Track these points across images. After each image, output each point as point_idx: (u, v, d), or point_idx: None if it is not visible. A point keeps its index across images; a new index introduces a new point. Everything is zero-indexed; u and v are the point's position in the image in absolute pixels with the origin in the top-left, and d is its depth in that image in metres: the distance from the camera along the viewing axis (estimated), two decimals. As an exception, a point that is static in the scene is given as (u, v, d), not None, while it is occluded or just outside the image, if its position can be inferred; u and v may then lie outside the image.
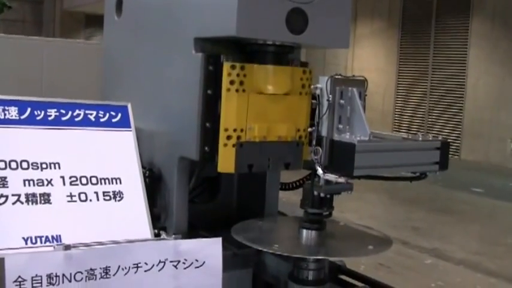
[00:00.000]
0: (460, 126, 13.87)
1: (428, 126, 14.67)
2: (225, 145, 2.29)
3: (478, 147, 13.34)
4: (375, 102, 14.92)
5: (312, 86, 2.41)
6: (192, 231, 2.53)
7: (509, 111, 12.91)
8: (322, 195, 2.39)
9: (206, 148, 2.38)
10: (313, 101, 2.45)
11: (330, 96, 2.32)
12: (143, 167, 2.44)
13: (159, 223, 2.52)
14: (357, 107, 2.33)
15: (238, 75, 2.29)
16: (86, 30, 26.44)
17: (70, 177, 2.17)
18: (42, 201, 2.09)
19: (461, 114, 13.91)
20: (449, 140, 2.70)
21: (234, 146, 2.29)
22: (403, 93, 15.62)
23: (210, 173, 3.04)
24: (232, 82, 2.29)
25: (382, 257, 5.55)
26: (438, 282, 5.52)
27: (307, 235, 2.50)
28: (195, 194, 2.83)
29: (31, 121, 2.21)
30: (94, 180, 2.21)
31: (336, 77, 2.36)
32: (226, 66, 2.29)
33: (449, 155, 2.52)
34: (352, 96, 2.34)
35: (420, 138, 2.46)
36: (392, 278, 5.07)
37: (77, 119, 2.29)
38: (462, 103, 13.93)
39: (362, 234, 2.67)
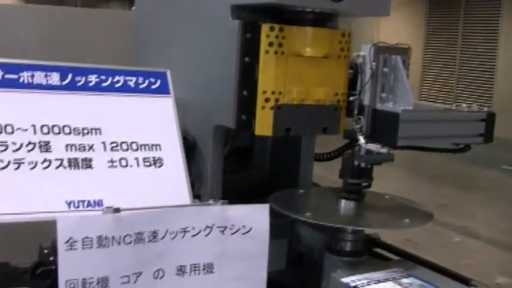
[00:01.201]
0: (490, 102, 13.82)
1: (456, 101, 14.61)
2: (263, 108, 2.33)
3: (509, 123, 13.29)
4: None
5: (354, 54, 2.44)
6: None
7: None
8: (362, 165, 2.43)
9: (243, 116, 2.42)
10: (350, 71, 2.49)
11: (373, 64, 2.35)
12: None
13: (193, 191, 2.57)
14: (400, 75, 2.35)
15: (276, 37, 2.32)
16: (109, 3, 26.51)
17: (111, 143, 2.22)
18: (84, 166, 2.14)
19: (491, 89, 13.84)
20: None
21: (272, 108, 2.33)
22: (430, 68, 15.56)
23: (243, 142, 3.11)
24: (270, 44, 2.32)
25: (409, 233, 5.60)
26: (467, 261, 5.56)
27: (346, 205, 2.54)
28: (227, 164, 2.88)
29: (72, 87, 2.25)
30: (134, 146, 2.26)
31: (379, 44, 2.37)
32: (264, 28, 2.32)
33: None
34: (396, 64, 2.36)
35: (465, 109, 2.47)
36: (420, 255, 5.09)
37: (117, 85, 2.33)
38: (493, 78, 13.86)
39: (402, 207, 2.70)
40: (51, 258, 2.50)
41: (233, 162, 3.03)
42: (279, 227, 2.70)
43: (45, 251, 2.56)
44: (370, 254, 2.72)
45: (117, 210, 1.83)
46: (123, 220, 1.83)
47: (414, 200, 2.72)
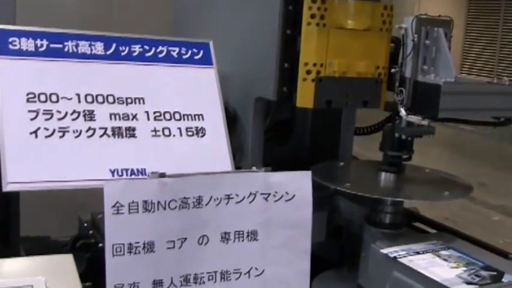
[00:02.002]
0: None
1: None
2: (304, 80, 2.33)
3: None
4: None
5: (397, 26, 2.42)
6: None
7: None
8: (403, 137, 2.42)
9: (284, 88, 2.43)
10: (392, 45, 2.48)
11: (415, 36, 2.33)
12: (222, 110, 2.50)
13: (234, 163, 2.59)
14: (442, 47, 2.33)
15: (318, 9, 2.31)
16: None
17: (154, 113, 2.24)
18: (128, 135, 2.17)
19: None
20: None
21: (313, 80, 2.33)
22: (472, 46, 15.32)
23: (284, 116, 3.11)
24: (312, 16, 2.32)
25: (448, 212, 5.57)
26: (506, 239, 5.51)
27: (385, 178, 2.54)
28: (268, 137, 2.89)
29: (116, 57, 2.28)
30: (177, 116, 2.28)
31: (421, 16, 2.36)
32: (307, 0, 2.31)
33: None
34: (438, 36, 2.35)
35: (507, 83, 2.45)
36: (459, 232, 5.07)
37: (160, 56, 2.35)
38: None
39: (442, 180, 2.69)
40: (91, 232, 2.56)
41: (274, 135, 3.04)
42: (319, 200, 2.70)
43: (85, 224, 2.61)
44: (409, 228, 2.72)
45: (162, 175, 1.84)
46: (168, 185, 1.85)
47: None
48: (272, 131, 3.03)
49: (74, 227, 2.71)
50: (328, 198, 2.78)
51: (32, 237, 2.69)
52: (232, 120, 2.70)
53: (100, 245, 2.41)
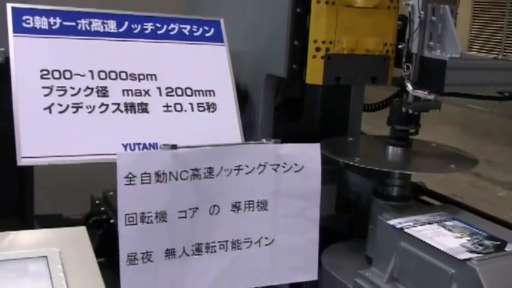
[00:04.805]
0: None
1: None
2: (314, 57, 2.32)
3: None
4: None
5: (404, 3, 2.40)
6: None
7: None
8: (410, 112, 2.41)
9: (294, 66, 2.42)
10: (399, 22, 2.46)
11: (422, 12, 2.31)
12: (232, 86, 2.49)
13: (244, 138, 2.59)
14: (448, 24, 2.31)
15: None
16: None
17: (166, 88, 2.24)
18: (140, 111, 2.17)
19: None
20: None
21: (322, 57, 2.32)
22: (479, 23, 15.17)
23: (294, 93, 3.10)
24: None
25: (455, 188, 5.55)
26: (511, 214, 5.48)
27: (393, 152, 2.53)
28: (278, 114, 2.88)
29: (128, 34, 2.27)
30: (189, 92, 2.27)
31: (428, -7, 2.34)
32: (316, -21, 2.29)
33: None
34: (444, 13, 2.32)
35: (511, 58, 2.43)
36: (465, 208, 5.06)
37: (171, 33, 2.34)
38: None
39: (448, 154, 2.68)
40: (102, 209, 2.56)
41: (284, 112, 3.03)
42: (328, 173, 2.70)
43: (97, 201, 2.62)
44: (416, 201, 2.71)
45: (174, 146, 1.85)
46: (180, 156, 1.85)
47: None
48: (283, 107, 3.02)
49: (88, 206, 2.71)
50: (338, 173, 2.77)
51: (45, 215, 2.70)
52: (243, 97, 2.69)
53: (111, 221, 2.42)
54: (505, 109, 10.65)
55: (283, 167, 2.01)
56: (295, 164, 2.03)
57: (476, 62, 2.43)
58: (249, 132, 2.68)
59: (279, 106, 2.98)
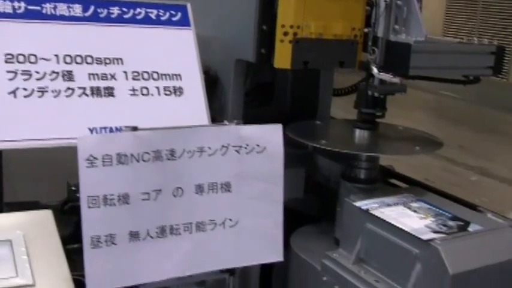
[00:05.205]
0: (509, 48, 13.50)
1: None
2: (282, 41, 2.31)
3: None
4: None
5: (370, -13, 2.40)
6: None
7: None
8: (376, 95, 2.41)
9: (262, 50, 2.40)
10: (367, 8, 2.45)
11: (387, -4, 2.31)
12: (201, 71, 2.48)
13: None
14: (413, 8, 2.31)
15: None
16: None
17: (132, 72, 2.22)
18: (106, 95, 2.15)
19: (511, 35, 13.49)
20: None
21: (290, 42, 2.30)
22: (453, 9, 15.19)
23: (265, 78, 3.09)
24: None
25: (428, 173, 5.57)
26: (482, 198, 5.52)
27: (360, 135, 2.53)
28: (250, 99, 2.87)
29: (94, 18, 2.24)
30: (155, 76, 2.25)
31: (394, -22, 2.33)
32: (284, -37, 2.27)
33: (498, 78, 2.49)
34: (409, -3, 2.32)
35: (476, 42, 2.43)
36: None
37: (138, 17, 2.32)
38: (513, 24, 13.49)
39: (415, 137, 2.69)
40: (78, 195, 2.53)
41: (255, 97, 3.02)
42: (297, 157, 2.71)
43: (72, 188, 2.59)
44: (385, 184, 2.71)
45: (135, 128, 1.83)
46: (141, 138, 1.84)
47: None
48: (254, 93, 3.01)
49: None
50: (307, 156, 2.77)
51: (22, 202, 2.67)
52: (213, 82, 2.68)
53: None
54: (478, 96, 10.71)
55: (246, 148, 2.00)
56: (258, 145, 2.01)
57: (441, 46, 2.43)
58: (220, 117, 2.66)
59: (251, 91, 2.96)
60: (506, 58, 13.13)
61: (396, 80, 2.28)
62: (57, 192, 2.69)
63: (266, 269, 2.67)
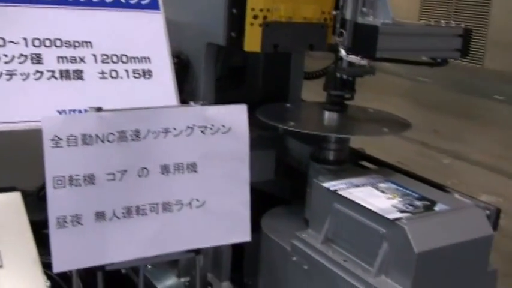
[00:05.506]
0: (484, 34, 13.54)
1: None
2: (252, 24, 2.30)
3: (502, 56, 13.08)
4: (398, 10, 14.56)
5: (338, -30, 2.39)
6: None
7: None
8: (344, 77, 2.40)
9: (232, 33, 2.40)
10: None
11: (355, -21, 2.30)
12: (171, 55, 2.46)
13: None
14: (381, -10, 2.30)
15: None
16: None
17: (101, 56, 2.21)
18: (75, 78, 2.13)
19: (486, 21, 13.53)
20: (473, 49, 2.64)
21: (260, 25, 2.31)
22: (428, 2, 15.24)
23: (237, 62, 3.08)
24: None
25: (402, 156, 5.60)
26: (453, 180, 5.56)
27: (329, 116, 2.52)
28: (222, 83, 2.86)
29: (64, 1, 2.22)
30: (124, 59, 2.24)
31: (361, -40, 2.32)
32: None
33: (473, 64, 2.49)
34: (376, -20, 2.31)
35: (443, 25, 2.43)
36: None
37: (107, 1, 2.30)
38: (488, 10, 13.55)
39: (383, 119, 2.69)
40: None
41: (227, 81, 3.01)
42: (267, 139, 2.71)
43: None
44: (355, 166, 2.72)
45: (99, 109, 1.82)
46: (105, 119, 1.83)
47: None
48: (226, 77, 3.00)
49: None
50: (277, 139, 2.77)
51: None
52: (185, 67, 2.67)
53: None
54: (453, 82, 10.77)
55: (211, 128, 1.99)
56: (223, 126, 2.01)
57: (409, 28, 2.43)
58: (192, 101, 2.65)
59: (223, 76, 2.96)
60: (481, 43, 13.24)
61: (364, 62, 2.28)
62: (36, 178, 2.68)
63: (238, 250, 2.68)
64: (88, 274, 2.05)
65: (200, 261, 2.20)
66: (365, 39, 2.26)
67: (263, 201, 2.70)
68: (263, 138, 2.62)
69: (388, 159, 2.78)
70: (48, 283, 1.53)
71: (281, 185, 2.86)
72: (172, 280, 2.70)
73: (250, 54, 2.52)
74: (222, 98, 2.71)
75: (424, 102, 9.72)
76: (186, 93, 2.64)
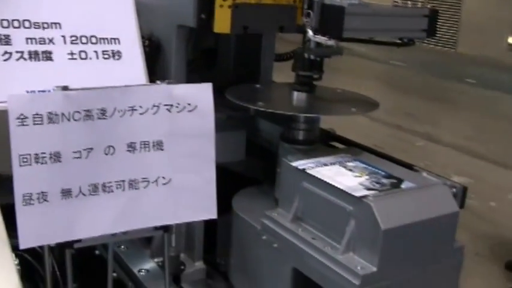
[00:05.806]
0: (457, 19, 13.61)
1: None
2: (221, 6, 2.30)
3: (475, 41, 13.17)
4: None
5: (307, -48, 2.38)
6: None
7: (510, 5, 12.64)
8: (312, 58, 2.41)
9: (202, 15, 2.38)
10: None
11: (322, -40, 2.30)
12: (142, 37, 2.45)
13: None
14: (344, -27, 2.31)
15: None
16: None
17: (71, 37, 2.19)
18: (44, 59, 2.12)
19: (458, 6, 13.59)
20: (447, 34, 2.65)
21: (229, 7, 2.30)
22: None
23: (208, 44, 3.08)
24: None
25: (376, 139, 5.64)
26: (426, 162, 5.61)
27: (297, 97, 2.53)
28: (194, 65, 2.86)
29: (31, -18, 2.20)
30: (93, 40, 2.23)
31: None
32: None
33: (447, 48, 2.50)
34: (340, -39, 2.32)
35: (409, 5, 2.45)
36: (384, 157, 5.14)
37: (76, -18, 2.28)
38: (460, -2, 13.62)
39: (352, 99, 2.70)
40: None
41: (199, 63, 3.01)
42: (238, 120, 2.71)
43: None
44: (325, 146, 2.73)
45: (65, 88, 1.82)
46: (71, 97, 1.82)
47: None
48: (198, 59, 3.00)
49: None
50: (248, 119, 2.77)
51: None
52: (156, 49, 2.66)
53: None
54: (426, 65, 10.83)
55: (177, 107, 2.00)
56: (188, 104, 2.01)
57: (375, 9, 2.43)
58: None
59: (195, 58, 2.95)
60: (454, 28, 13.31)
61: (331, 42, 2.28)
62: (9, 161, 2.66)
63: (211, 231, 2.69)
64: (61, 256, 2.04)
65: (171, 240, 2.20)
66: (332, 20, 2.26)
67: (234, 181, 2.70)
68: (233, 119, 2.62)
69: (364, 142, 2.80)
70: (17, 261, 1.52)
71: (252, 166, 2.86)
72: (145, 260, 2.70)
73: (221, 36, 2.51)
74: (194, 80, 2.70)
75: (398, 86, 9.78)
76: (158, 75, 2.63)
